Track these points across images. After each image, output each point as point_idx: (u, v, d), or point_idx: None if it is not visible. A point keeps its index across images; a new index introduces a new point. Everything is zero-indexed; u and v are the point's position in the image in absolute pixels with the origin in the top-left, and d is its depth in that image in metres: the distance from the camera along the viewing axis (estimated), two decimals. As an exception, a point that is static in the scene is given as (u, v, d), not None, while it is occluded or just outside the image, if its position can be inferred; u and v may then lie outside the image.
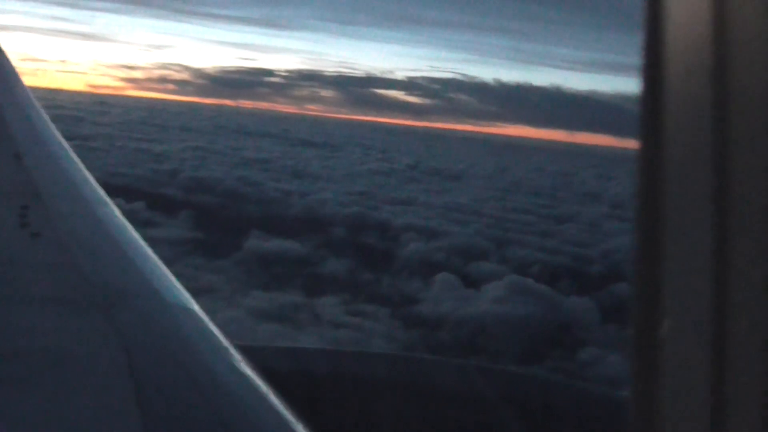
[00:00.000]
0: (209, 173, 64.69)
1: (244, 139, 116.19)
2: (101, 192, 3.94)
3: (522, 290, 32.63)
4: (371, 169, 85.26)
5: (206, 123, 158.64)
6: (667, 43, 0.90)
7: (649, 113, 0.94)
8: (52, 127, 5.26)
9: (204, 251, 37.41)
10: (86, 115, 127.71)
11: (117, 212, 3.75)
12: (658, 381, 0.87)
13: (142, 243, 3.41)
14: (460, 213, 57.65)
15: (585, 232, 56.51)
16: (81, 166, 4.37)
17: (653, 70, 0.92)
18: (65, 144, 4.78)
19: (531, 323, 28.94)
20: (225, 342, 2.67)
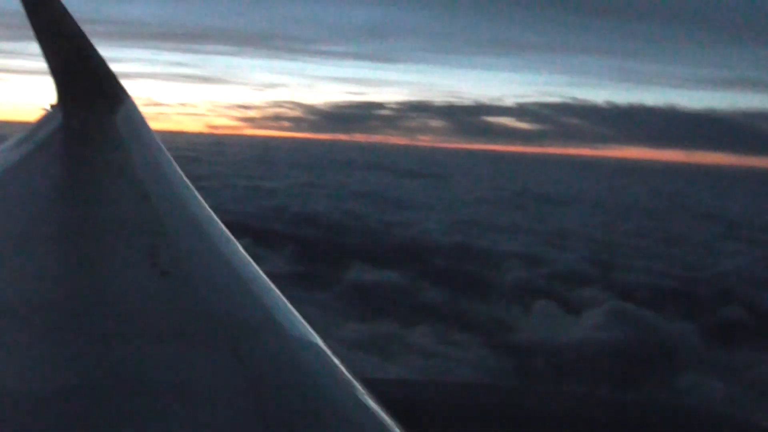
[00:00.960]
0: (315, 207, 65.95)
1: (352, 173, 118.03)
2: (225, 230, 4.16)
3: (623, 316, 31.82)
4: (477, 198, 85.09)
5: (316, 158, 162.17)
6: None
7: None
8: (177, 168, 5.59)
9: (305, 284, 38.11)
10: (202, 156, 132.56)
11: (240, 249, 3.89)
12: None
13: (265, 278, 3.55)
14: (566, 239, 56.78)
15: (697, 254, 54.67)
16: (205, 205, 4.59)
17: None
18: (190, 184, 4.95)
19: (630, 349, 28.16)
20: (350, 376, 2.74)
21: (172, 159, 5.70)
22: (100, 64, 7.30)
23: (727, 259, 52.20)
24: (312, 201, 71.25)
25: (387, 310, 32.97)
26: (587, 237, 58.28)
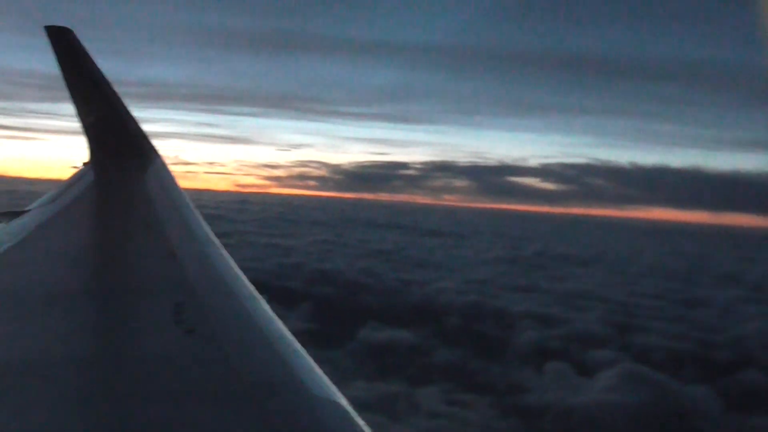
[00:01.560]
0: (332, 265, 65.97)
1: (372, 231, 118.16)
2: (251, 287, 4.26)
3: (636, 378, 31.31)
4: (496, 257, 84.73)
5: (338, 217, 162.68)
6: None
7: None
8: (205, 225, 5.59)
9: (318, 342, 37.91)
10: (226, 213, 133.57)
11: (266, 307, 3.99)
12: None
13: (290, 336, 3.60)
14: (584, 299, 56.22)
15: (717, 316, 53.90)
16: (232, 262, 4.71)
17: None
18: (217, 242, 5.09)
19: (642, 412, 27.65)
20: None
21: (200, 217, 5.82)
22: (133, 123, 7.58)
23: (748, 323, 51.35)
24: (330, 259, 71.33)
25: (397, 370, 32.72)
26: (604, 298, 57.66)
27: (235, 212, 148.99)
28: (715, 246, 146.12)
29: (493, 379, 32.23)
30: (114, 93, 7.51)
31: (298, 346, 3.48)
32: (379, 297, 52.45)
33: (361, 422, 2.83)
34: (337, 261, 69.88)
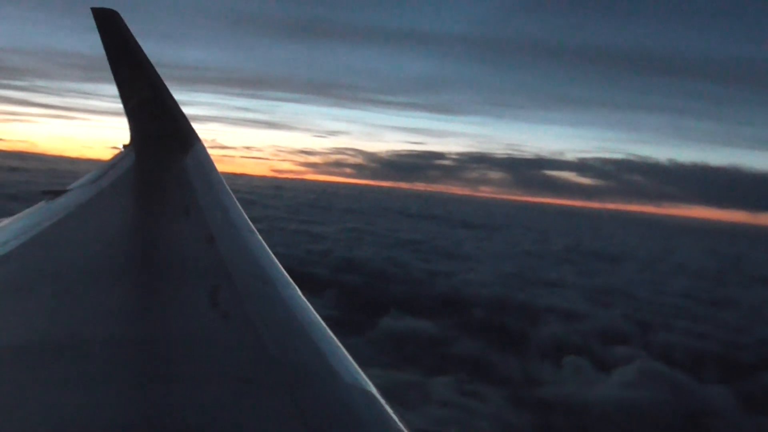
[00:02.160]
0: (360, 254, 66.24)
1: (404, 221, 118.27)
2: (285, 274, 4.30)
3: (653, 376, 31.27)
4: (525, 251, 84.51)
5: (371, 205, 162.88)
6: None
7: None
8: (242, 211, 5.64)
9: (340, 329, 37.70)
10: (259, 199, 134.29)
11: (299, 294, 4.05)
12: None
13: (323, 324, 3.63)
14: (610, 296, 55.99)
15: (744, 317, 53.35)
16: (267, 249, 4.75)
17: None
18: (254, 228, 5.14)
19: (656, 410, 27.63)
20: (403, 426, 2.72)
21: (237, 202, 5.94)
22: (175, 107, 7.66)
23: (775, 324, 50.86)
24: (358, 247, 71.62)
25: (415, 359, 32.91)
26: (631, 295, 57.37)
27: (269, 198, 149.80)
28: (750, 246, 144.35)
29: (510, 371, 32.32)
30: (157, 76, 7.58)
31: (330, 333, 3.54)
32: (404, 287, 52.63)
33: (391, 411, 2.86)
34: (366, 249, 70.16)
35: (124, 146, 7.79)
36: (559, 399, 28.22)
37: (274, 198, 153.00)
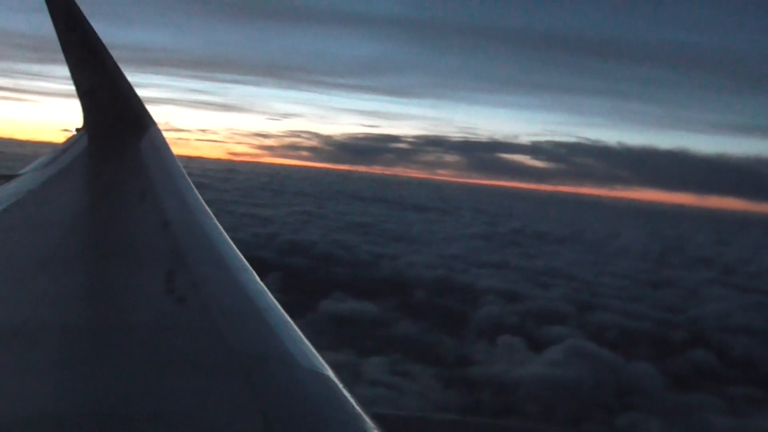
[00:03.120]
0: (307, 237, 66.42)
1: (355, 204, 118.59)
2: (242, 258, 4.21)
3: (581, 354, 32.17)
4: (473, 233, 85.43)
5: (324, 188, 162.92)
6: None
7: None
8: (198, 195, 5.44)
9: (281, 311, 38.52)
10: (211, 182, 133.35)
11: (256, 278, 3.97)
12: None
13: (279, 308, 3.52)
14: (550, 277, 57.01)
15: (681, 297, 54.77)
16: (224, 233, 4.61)
17: None
18: (210, 212, 4.98)
19: (581, 387, 28.51)
20: (359, 409, 2.65)
21: (194, 187, 5.94)
22: (129, 90, 7.52)
23: (710, 304, 52.26)
24: (306, 230, 71.79)
25: (352, 341, 33.34)
26: (572, 276, 58.45)
27: (220, 181, 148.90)
28: (695, 228, 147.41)
29: (445, 351, 33.00)
30: (111, 59, 7.35)
31: (287, 318, 3.45)
32: (349, 269, 53.02)
33: (349, 395, 2.79)
34: (313, 232, 70.30)
35: (77, 130, 7.57)
36: (488, 378, 28.95)
37: (226, 181, 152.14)
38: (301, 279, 48.20)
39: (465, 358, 32.29)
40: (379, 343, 33.11)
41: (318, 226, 76.55)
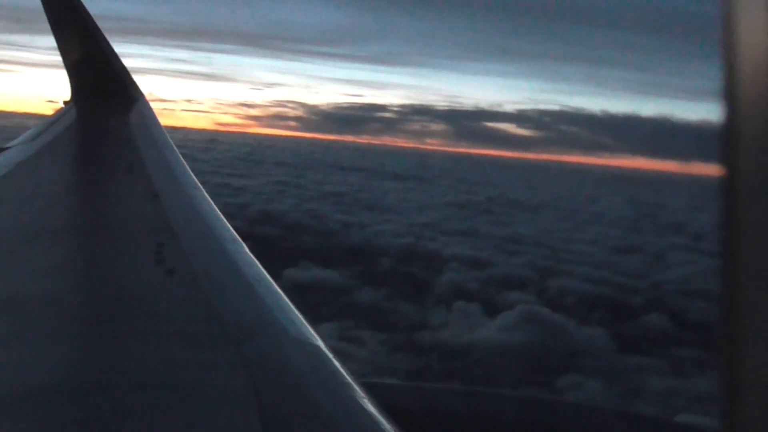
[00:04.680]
0: (279, 206, 66.65)
1: (334, 174, 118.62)
2: (232, 230, 4.27)
3: (533, 319, 32.73)
4: (448, 202, 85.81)
5: (305, 158, 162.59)
6: (742, 65, 0.89)
7: (729, 137, 0.92)
8: (187, 167, 5.49)
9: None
10: (190, 152, 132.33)
11: (246, 250, 4.07)
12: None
13: (269, 279, 3.65)
14: (518, 244, 57.51)
15: (646, 263, 55.40)
16: (213, 205, 4.73)
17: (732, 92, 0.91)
18: (199, 184, 5.05)
19: (529, 352, 29.11)
20: (349, 378, 2.77)
21: (182, 158, 6.02)
22: (117, 62, 7.50)
23: (673, 269, 52.91)
24: (279, 200, 71.96)
25: (310, 308, 33.72)
26: (539, 243, 58.96)
27: (201, 151, 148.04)
28: (674, 195, 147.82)
29: (400, 318, 33.49)
30: (99, 30, 7.28)
31: (277, 288, 3.63)
32: (317, 238, 53.30)
33: (338, 364, 2.97)
34: (286, 202, 70.45)
35: (65, 102, 7.51)
36: (437, 343, 29.48)
37: (206, 151, 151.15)
38: (269, 248, 48.31)
39: (419, 323, 32.81)
40: (335, 311, 33.53)
41: (292, 195, 76.70)
